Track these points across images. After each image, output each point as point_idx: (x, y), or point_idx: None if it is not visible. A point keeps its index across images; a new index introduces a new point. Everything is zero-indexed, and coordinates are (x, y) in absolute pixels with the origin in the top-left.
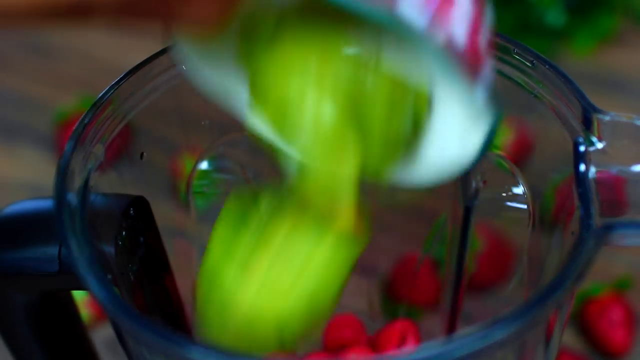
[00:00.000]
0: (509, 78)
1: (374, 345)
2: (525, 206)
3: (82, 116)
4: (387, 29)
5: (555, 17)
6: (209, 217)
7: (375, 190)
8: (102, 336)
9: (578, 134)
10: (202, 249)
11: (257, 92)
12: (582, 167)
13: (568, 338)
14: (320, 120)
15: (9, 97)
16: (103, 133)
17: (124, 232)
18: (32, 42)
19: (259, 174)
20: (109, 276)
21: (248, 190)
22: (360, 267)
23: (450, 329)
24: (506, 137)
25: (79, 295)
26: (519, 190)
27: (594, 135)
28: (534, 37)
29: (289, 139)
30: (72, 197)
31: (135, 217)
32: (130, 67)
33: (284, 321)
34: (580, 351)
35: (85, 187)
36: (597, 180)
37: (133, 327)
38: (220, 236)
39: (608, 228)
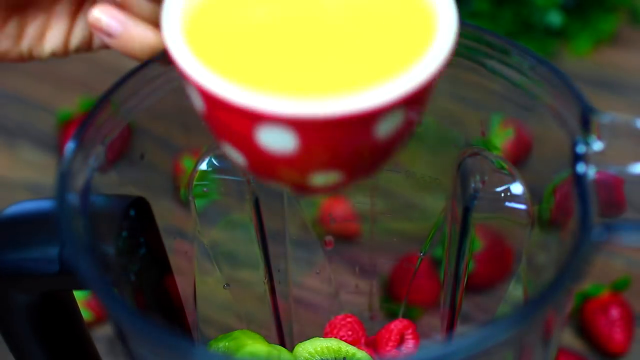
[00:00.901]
0: (508, 79)
1: (374, 345)
2: (524, 206)
3: (83, 117)
4: None
5: (554, 17)
6: (209, 218)
7: None
8: (102, 336)
9: (577, 135)
10: (202, 249)
11: None
12: (581, 168)
13: (567, 338)
14: None
15: (10, 97)
16: (104, 134)
17: (124, 233)
18: None
19: None
20: (110, 276)
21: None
22: (360, 267)
23: (450, 328)
24: (505, 138)
25: (79, 296)
26: (518, 190)
27: (593, 136)
28: (532, 37)
29: None
30: (73, 198)
31: (136, 217)
32: (131, 68)
33: None
34: (580, 351)
35: (86, 187)
36: (596, 181)
37: (133, 327)
38: None
39: (607, 228)
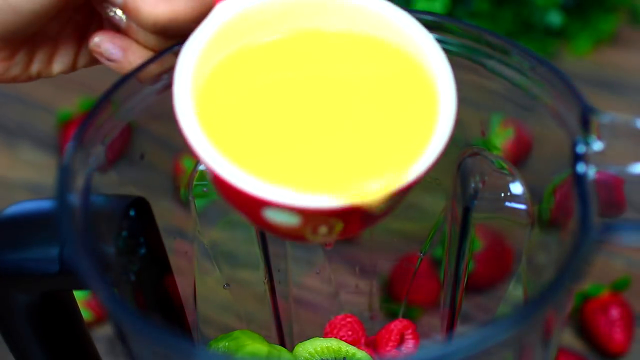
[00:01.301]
0: (508, 79)
1: (374, 345)
2: (524, 206)
3: (83, 117)
4: None
5: (554, 17)
6: (209, 218)
7: None
8: (102, 336)
9: (577, 135)
10: (202, 249)
11: None
12: (581, 168)
13: (567, 338)
14: None
15: (10, 97)
16: (104, 134)
17: (124, 233)
18: None
19: None
20: (110, 276)
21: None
22: (360, 267)
23: (450, 328)
24: (505, 138)
25: (79, 296)
26: (518, 190)
27: (593, 136)
28: (532, 37)
29: None
30: (73, 198)
31: (136, 217)
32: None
33: None
34: (580, 351)
35: (86, 187)
36: (596, 181)
37: (133, 327)
38: None
39: (606, 228)
